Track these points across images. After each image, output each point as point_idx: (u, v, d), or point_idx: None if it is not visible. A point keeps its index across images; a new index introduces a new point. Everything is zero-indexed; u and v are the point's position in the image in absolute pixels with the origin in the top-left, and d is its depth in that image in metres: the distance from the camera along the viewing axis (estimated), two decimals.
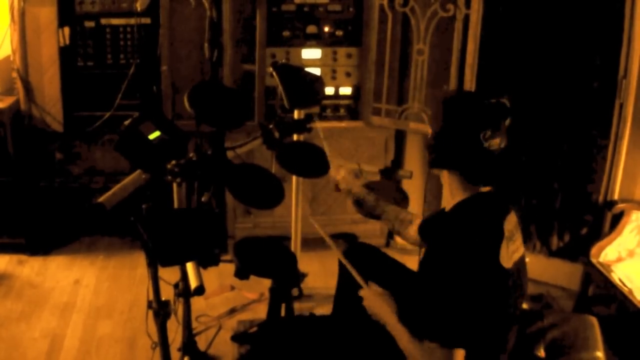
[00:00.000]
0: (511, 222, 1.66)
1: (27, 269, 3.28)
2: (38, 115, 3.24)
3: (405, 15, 3.18)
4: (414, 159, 3.46)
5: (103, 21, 3.20)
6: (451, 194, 1.71)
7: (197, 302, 2.82)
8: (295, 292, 3.02)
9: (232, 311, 2.97)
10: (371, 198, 2.25)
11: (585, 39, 2.88)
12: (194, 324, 2.62)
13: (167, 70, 3.20)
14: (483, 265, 1.56)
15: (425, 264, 1.67)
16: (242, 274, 1.88)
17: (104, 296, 3.07)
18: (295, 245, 2.97)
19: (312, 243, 3.38)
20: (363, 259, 2.21)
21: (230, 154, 2.15)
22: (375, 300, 1.82)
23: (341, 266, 2.22)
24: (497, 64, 3.05)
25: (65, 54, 3.20)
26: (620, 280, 2.64)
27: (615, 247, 2.83)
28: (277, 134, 2.36)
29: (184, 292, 2.26)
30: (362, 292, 1.88)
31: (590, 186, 3.03)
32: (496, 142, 1.61)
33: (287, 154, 2.34)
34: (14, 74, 3.22)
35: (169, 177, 2.01)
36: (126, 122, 1.91)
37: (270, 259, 2.06)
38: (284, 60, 3.28)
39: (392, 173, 2.71)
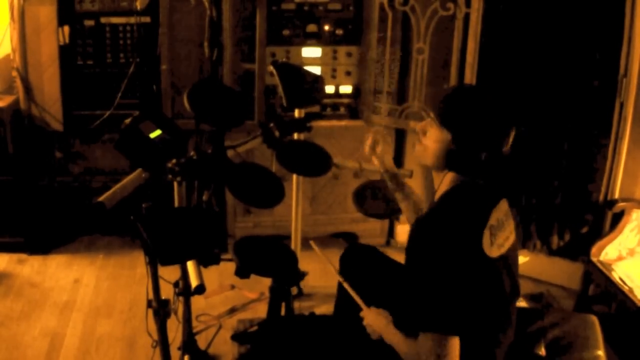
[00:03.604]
0: (501, 210, 1.64)
1: (27, 268, 3.28)
2: (38, 114, 3.24)
3: (405, 14, 3.18)
4: (414, 158, 3.45)
5: (103, 20, 3.20)
6: (444, 186, 1.70)
7: (197, 301, 2.82)
8: (294, 290, 3.02)
9: (232, 310, 2.97)
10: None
11: (585, 38, 2.88)
12: (194, 323, 2.62)
13: (167, 69, 3.19)
14: (465, 253, 1.54)
15: (410, 251, 1.65)
16: (242, 272, 1.88)
17: (104, 295, 3.07)
18: (295, 244, 2.97)
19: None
20: (361, 261, 2.20)
21: (230, 153, 2.15)
22: (374, 318, 1.82)
23: (341, 268, 2.21)
24: (497, 63, 3.05)
25: (65, 53, 3.19)
26: (621, 279, 2.64)
27: (616, 246, 2.83)
28: (277, 133, 2.36)
29: (184, 290, 2.26)
30: (363, 313, 1.88)
31: (590, 185, 3.03)
32: (511, 140, 1.60)
33: (287, 152, 2.34)
34: (14, 73, 3.22)
35: (169, 176, 2.01)
36: (126, 121, 1.91)
37: (270, 258, 2.06)
38: (284, 59, 3.29)
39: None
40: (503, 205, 1.67)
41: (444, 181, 1.71)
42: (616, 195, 2.93)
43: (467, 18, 3.01)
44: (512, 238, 1.68)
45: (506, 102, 1.61)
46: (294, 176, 2.82)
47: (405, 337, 1.65)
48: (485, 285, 1.59)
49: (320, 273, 3.16)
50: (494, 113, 1.59)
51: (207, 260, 1.94)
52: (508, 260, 1.66)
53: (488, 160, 1.61)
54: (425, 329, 1.54)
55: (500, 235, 1.62)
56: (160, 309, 2.10)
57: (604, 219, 2.98)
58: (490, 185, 1.68)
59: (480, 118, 1.59)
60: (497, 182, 1.69)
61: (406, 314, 1.63)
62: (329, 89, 3.40)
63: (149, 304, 2.12)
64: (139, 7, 3.14)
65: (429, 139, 1.68)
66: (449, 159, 1.64)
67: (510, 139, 1.61)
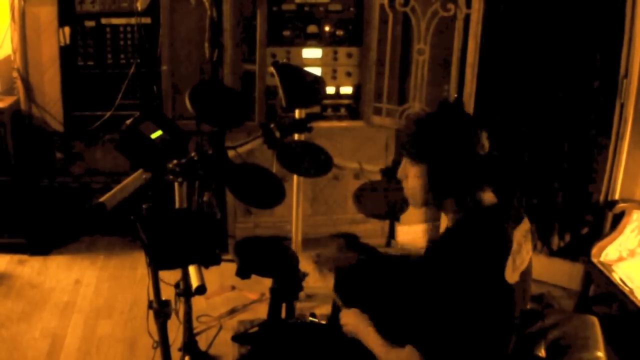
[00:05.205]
0: (521, 232, 1.61)
1: (28, 268, 3.28)
2: (38, 115, 3.24)
3: (406, 14, 3.18)
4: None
5: (103, 21, 3.20)
6: (452, 213, 1.65)
7: (197, 302, 2.82)
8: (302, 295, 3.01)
9: (233, 311, 2.97)
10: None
11: (586, 39, 2.88)
12: (195, 324, 2.62)
13: (167, 70, 3.19)
14: (486, 285, 1.51)
15: (426, 274, 1.61)
16: (243, 273, 1.88)
17: (105, 296, 3.07)
18: (295, 245, 2.97)
19: (312, 243, 3.38)
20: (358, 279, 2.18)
21: (231, 154, 2.15)
22: (354, 320, 1.78)
23: (336, 271, 2.20)
24: (497, 64, 3.05)
25: (66, 54, 3.20)
26: (621, 280, 2.64)
27: (616, 247, 2.83)
28: (277, 134, 2.36)
29: (185, 291, 2.26)
30: (342, 314, 1.84)
31: (591, 186, 3.03)
32: (486, 145, 1.56)
33: (287, 153, 2.34)
34: (14, 74, 3.22)
35: (170, 177, 2.01)
36: (127, 122, 1.91)
37: (271, 259, 2.06)
38: (284, 60, 3.29)
39: (392, 172, 2.70)
40: (524, 226, 1.63)
41: (448, 210, 1.65)
42: (616, 196, 2.93)
43: (467, 19, 3.01)
44: (528, 257, 1.65)
45: (464, 112, 1.59)
46: (295, 177, 2.82)
47: (385, 342, 1.63)
48: (499, 310, 1.55)
49: (321, 274, 3.16)
50: (454, 128, 1.56)
51: (207, 260, 1.93)
52: (524, 277, 1.62)
53: (475, 170, 1.57)
54: (420, 348, 1.52)
55: (519, 258, 1.59)
56: (160, 310, 2.10)
57: (604, 220, 2.97)
58: (503, 204, 1.64)
59: (444, 138, 1.56)
60: (510, 200, 1.66)
61: (399, 323, 1.61)
62: (330, 89, 3.40)
63: (150, 305, 2.12)
64: (139, 8, 3.14)
65: (411, 179, 1.65)
66: (434, 187, 1.60)
67: (485, 141, 1.56)
